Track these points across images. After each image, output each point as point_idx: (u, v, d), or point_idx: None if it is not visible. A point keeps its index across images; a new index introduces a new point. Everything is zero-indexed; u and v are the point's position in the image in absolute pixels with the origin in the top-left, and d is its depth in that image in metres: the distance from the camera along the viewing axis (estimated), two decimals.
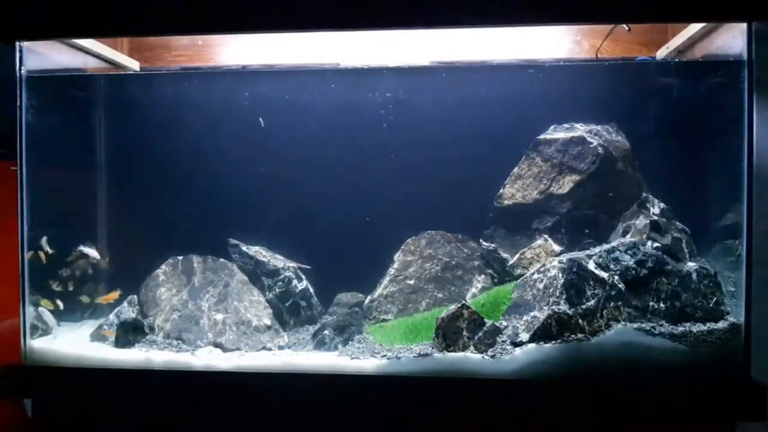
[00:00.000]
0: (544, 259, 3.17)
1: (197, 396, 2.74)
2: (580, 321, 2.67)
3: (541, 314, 2.72)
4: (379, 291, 3.48)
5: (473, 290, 3.43)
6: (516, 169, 3.44)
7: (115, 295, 3.29)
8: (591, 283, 2.77)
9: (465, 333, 2.75)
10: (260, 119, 3.44)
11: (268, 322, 3.18)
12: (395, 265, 3.53)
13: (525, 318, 2.81)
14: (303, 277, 3.45)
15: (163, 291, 3.33)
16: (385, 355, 2.78)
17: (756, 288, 2.58)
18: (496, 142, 3.42)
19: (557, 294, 2.77)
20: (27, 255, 2.95)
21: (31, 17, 2.73)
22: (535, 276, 2.96)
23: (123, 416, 2.83)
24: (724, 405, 2.50)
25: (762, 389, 2.45)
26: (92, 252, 3.25)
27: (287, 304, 3.34)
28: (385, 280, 3.50)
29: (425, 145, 3.45)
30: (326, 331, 3.06)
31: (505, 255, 3.35)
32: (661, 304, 2.75)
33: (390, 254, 3.57)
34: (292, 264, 3.46)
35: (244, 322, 3.12)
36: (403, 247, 3.57)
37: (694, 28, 2.99)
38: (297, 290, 3.38)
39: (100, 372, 2.79)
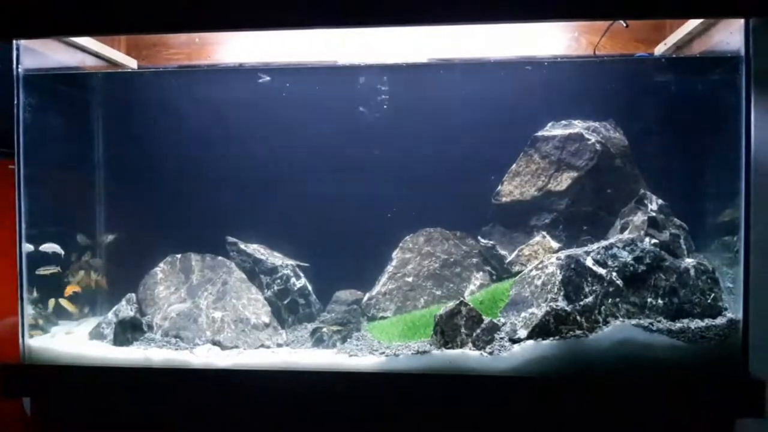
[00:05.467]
0: (542, 256, 3.18)
1: (196, 394, 2.74)
2: (578, 317, 2.67)
3: (539, 311, 2.72)
4: (377, 288, 3.48)
5: (471, 287, 3.43)
6: (514, 166, 3.44)
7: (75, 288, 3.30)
8: (589, 279, 2.77)
9: (463, 330, 2.75)
10: (260, 76, 3.41)
11: (266, 319, 3.18)
12: (393, 263, 3.53)
13: (523, 315, 2.81)
14: (301, 274, 3.45)
15: (162, 289, 3.33)
16: (384, 353, 2.79)
17: (754, 284, 2.58)
18: (494, 139, 3.42)
19: (555, 291, 2.77)
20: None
21: (28, 15, 2.72)
22: (533, 273, 2.96)
23: (122, 414, 2.83)
24: (723, 401, 2.50)
25: (760, 385, 2.45)
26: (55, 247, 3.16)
27: (285, 302, 3.34)
28: (384, 278, 3.50)
29: (424, 142, 3.45)
30: (324, 329, 3.06)
31: (503, 252, 3.35)
32: (659, 301, 2.75)
33: (388, 252, 3.57)
34: (291, 262, 3.46)
35: (243, 320, 3.12)
36: (401, 244, 3.57)
37: (692, 24, 2.98)
38: (295, 288, 3.37)
39: (99, 370, 2.79)
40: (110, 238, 3.60)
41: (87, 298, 3.44)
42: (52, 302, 3.18)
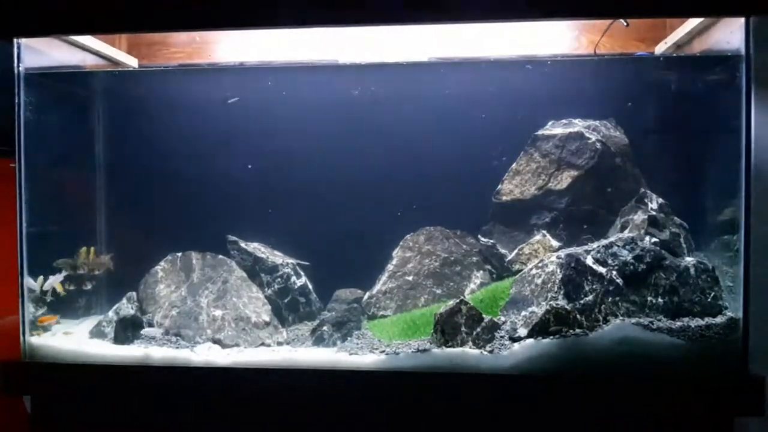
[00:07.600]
0: (543, 255, 3.18)
1: (196, 392, 2.74)
2: (578, 316, 2.67)
3: (539, 309, 2.73)
4: (377, 287, 3.47)
5: (472, 286, 3.43)
6: (514, 165, 3.44)
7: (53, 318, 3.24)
8: (589, 278, 2.77)
9: (463, 328, 2.75)
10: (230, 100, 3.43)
11: (266, 318, 3.18)
12: (394, 261, 3.53)
13: (523, 313, 2.81)
14: (302, 273, 3.45)
15: (162, 287, 3.34)
16: (384, 351, 2.79)
17: (754, 283, 2.58)
18: (495, 138, 3.42)
19: (555, 289, 2.77)
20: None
21: (28, 14, 2.73)
22: (534, 271, 2.96)
23: (122, 412, 2.83)
24: (722, 400, 2.50)
25: (760, 384, 2.45)
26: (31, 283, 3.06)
27: (286, 301, 3.35)
28: (384, 276, 3.50)
29: (423, 141, 3.46)
30: (325, 327, 3.06)
31: (503, 251, 3.35)
32: (659, 299, 2.75)
33: (389, 250, 3.57)
34: (291, 260, 3.47)
35: (243, 319, 3.12)
36: (401, 243, 3.57)
37: (693, 23, 2.98)
38: (296, 286, 3.38)
39: (99, 368, 2.79)
40: (111, 236, 3.61)
41: (89, 292, 3.45)
42: (40, 280, 3.12)
